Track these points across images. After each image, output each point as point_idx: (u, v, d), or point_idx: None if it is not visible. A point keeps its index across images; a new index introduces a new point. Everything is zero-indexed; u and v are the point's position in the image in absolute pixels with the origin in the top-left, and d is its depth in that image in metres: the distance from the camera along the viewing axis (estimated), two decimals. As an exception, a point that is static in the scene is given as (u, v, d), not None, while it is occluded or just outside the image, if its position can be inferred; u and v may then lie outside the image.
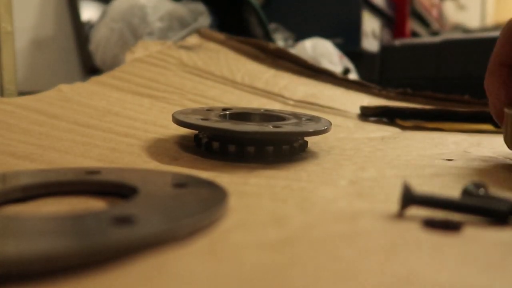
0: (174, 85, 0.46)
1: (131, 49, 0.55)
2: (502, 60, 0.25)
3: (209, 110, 0.30)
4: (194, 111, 0.29)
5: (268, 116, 0.31)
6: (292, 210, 0.17)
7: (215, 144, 0.26)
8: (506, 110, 0.24)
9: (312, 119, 0.29)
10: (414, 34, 1.76)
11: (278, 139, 0.26)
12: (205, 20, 0.80)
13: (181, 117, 0.26)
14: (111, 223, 0.13)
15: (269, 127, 0.25)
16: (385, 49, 1.19)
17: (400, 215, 0.17)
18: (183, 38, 0.70)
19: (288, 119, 0.29)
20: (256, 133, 0.24)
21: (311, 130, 0.26)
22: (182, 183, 0.18)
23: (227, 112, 0.30)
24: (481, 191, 0.17)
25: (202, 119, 0.26)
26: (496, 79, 0.25)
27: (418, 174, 0.24)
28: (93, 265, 0.12)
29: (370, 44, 1.49)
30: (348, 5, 1.41)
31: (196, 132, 0.29)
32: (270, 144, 0.26)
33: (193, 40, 0.62)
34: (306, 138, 0.29)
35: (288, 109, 0.46)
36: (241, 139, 0.25)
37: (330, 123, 0.28)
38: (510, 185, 0.22)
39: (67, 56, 0.98)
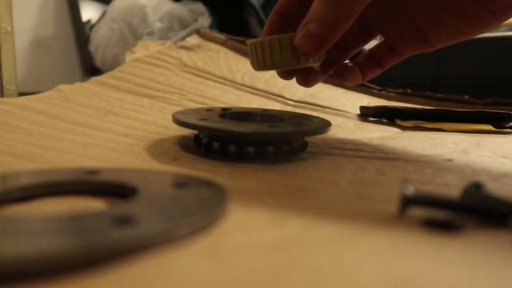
0: (174, 85, 0.46)
1: (131, 49, 0.55)
2: (278, 8, 0.30)
3: (209, 110, 0.30)
4: (194, 111, 0.29)
5: (268, 116, 0.31)
6: (292, 210, 0.17)
7: (215, 144, 0.26)
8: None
9: (311, 119, 0.29)
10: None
11: (278, 139, 0.26)
12: (205, 20, 0.81)
13: (181, 117, 0.26)
14: (111, 223, 0.13)
15: (268, 127, 0.25)
16: (385, 49, 1.19)
17: (400, 215, 0.17)
18: (183, 38, 0.70)
19: (288, 119, 0.29)
20: (255, 133, 0.24)
21: (311, 130, 0.26)
22: (182, 183, 0.18)
23: (227, 112, 0.30)
24: (481, 191, 0.17)
25: (202, 119, 0.26)
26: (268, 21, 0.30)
27: (418, 174, 0.24)
28: (93, 265, 0.12)
29: (370, 43, 1.49)
30: (348, 5, 1.41)
31: (196, 132, 0.29)
32: (270, 144, 0.26)
33: (193, 40, 0.62)
34: (306, 138, 0.29)
35: (288, 109, 0.46)
36: (241, 139, 0.25)
37: (330, 123, 0.28)
38: (510, 185, 0.22)
39: (67, 56, 0.98)
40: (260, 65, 0.28)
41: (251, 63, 0.29)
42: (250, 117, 0.31)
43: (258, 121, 0.31)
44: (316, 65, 0.28)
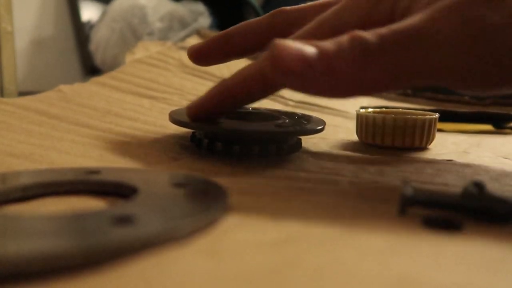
0: (174, 86, 0.46)
1: (131, 50, 0.55)
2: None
3: None
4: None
5: (259, 115, 0.30)
6: (292, 210, 0.17)
7: (216, 144, 0.26)
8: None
9: (303, 117, 0.29)
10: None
11: (272, 139, 0.26)
12: (205, 20, 0.81)
13: (180, 118, 0.26)
14: (111, 223, 0.13)
15: (271, 127, 0.25)
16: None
17: (400, 215, 0.17)
18: (183, 38, 0.70)
19: (282, 118, 0.29)
20: (253, 132, 0.24)
21: (300, 130, 0.26)
22: (182, 183, 0.18)
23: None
24: (481, 191, 0.17)
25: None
26: None
27: (418, 174, 0.24)
28: (93, 265, 0.12)
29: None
30: (348, 6, 1.41)
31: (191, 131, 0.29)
32: (272, 143, 0.25)
33: (193, 41, 0.62)
34: (305, 138, 0.29)
35: (288, 109, 0.46)
36: (231, 138, 0.25)
37: (324, 122, 0.28)
38: (510, 185, 0.22)
39: (67, 56, 0.98)
40: (367, 139, 0.31)
41: (357, 133, 0.32)
42: (245, 116, 0.31)
43: (252, 120, 0.30)
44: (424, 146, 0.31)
